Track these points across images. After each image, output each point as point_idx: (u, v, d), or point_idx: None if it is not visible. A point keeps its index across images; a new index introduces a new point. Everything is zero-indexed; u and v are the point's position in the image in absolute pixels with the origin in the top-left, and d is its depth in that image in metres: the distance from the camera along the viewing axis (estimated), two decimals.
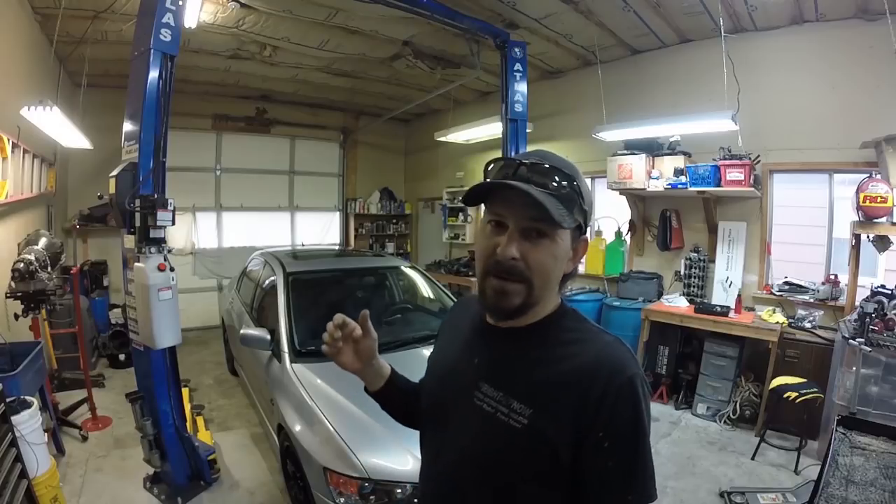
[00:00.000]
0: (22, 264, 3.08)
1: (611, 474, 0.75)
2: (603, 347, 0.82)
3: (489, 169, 0.88)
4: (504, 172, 0.83)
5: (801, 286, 4.11)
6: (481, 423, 0.84)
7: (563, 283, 0.88)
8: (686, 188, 4.33)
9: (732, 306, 4.24)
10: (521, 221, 0.79)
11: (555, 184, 0.80)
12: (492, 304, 0.84)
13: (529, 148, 4.51)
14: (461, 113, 6.69)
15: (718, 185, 4.12)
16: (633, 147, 4.69)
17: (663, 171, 4.57)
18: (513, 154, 4.29)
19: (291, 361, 2.82)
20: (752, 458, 3.47)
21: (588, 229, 0.88)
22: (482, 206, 0.86)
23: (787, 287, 4.18)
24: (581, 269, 5.60)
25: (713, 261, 4.62)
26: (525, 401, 0.79)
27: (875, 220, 3.44)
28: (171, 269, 2.65)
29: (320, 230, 8.14)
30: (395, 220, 8.79)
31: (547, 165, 0.82)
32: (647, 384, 0.80)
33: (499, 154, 4.64)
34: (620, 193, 4.96)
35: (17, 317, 3.13)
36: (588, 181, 5.64)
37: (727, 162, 4.06)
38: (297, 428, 2.45)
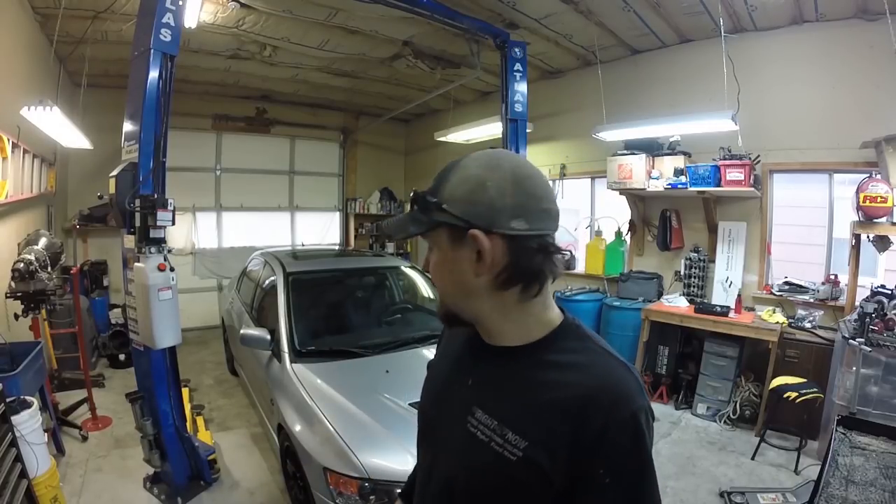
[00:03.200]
0: (22, 264, 3.08)
1: None
2: (608, 374, 0.75)
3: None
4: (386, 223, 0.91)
5: (801, 286, 4.11)
6: (474, 450, 0.78)
7: (524, 289, 0.76)
8: (686, 188, 4.33)
9: (732, 306, 4.24)
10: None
11: (415, 202, 0.82)
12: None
13: (529, 148, 4.52)
14: (461, 113, 6.69)
15: (718, 185, 4.12)
16: (633, 147, 4.69)
17: (663, 171, 4.57)
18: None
19: (291, 361, 2.82)
20: (752, 458, 3.47)
21: (476, 223, 0.74)
22: None
23: (787, 287, 4.18)
24: (581, 269, 5.60)
25: (713, 261, 4.62)
26: (520, 431, 0.74)
27: (875, 220, 3.44)
28: (171, 269, 2.65)
29: (320, 230, 8.14)
30: None
31: (415, 194, 0.82)
32: (652, 415, 0.75)
33: None
34: (620, 193, 4.96)
35: (17, 317, 3.13)
36: (588, 181, 5.70)
37: (727, 162, 4.06)
38: (297, 428, 2.45)
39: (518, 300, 0.78)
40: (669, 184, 4.47)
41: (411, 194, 0.84)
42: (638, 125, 4.32)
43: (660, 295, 4.92)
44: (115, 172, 2.61)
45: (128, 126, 2.70)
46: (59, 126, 3.69)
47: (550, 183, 0.85)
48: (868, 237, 3.57)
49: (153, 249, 2.61)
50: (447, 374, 0.93)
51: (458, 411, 0.83)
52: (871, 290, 3.43)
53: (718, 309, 4.19)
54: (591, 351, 0.79)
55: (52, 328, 4.15)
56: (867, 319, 3.11)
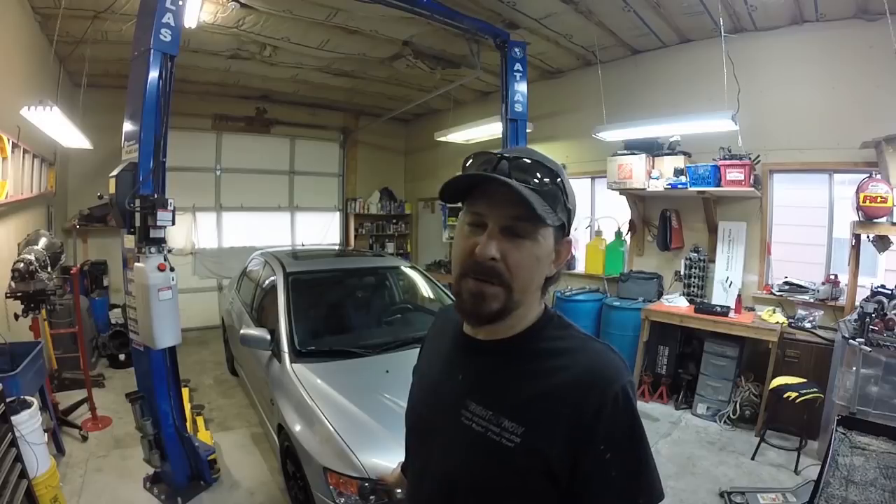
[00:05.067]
0: (22, 264, 3.08)
1: (616, 482, 0.73)
2: (594, 357, 0.78)
3: (467, 164, 0.82)
4: (483, 167, 0.78)
5: (801, 286, 4.11)
6: (471, 442, 0.79)
7: (545, 287, 0.84)
8: (686, 188, 4.33)
9: (732, 306, 4.24)
10: (501, 219, 0.75)
11: (537, 179, 0.76)
12: (469, 308, 0.78)
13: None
14: (461, 113, 6.69)
15: (718, 185, 4.12)
16: (633, 147, 4.69)
17: (663, 171, 4.57)
18: None
19: (291, 361, 2.82)
20: (752, 458, 3.47)
21: (571, 230, 0.84)
22: None
23: (787, 287, 4.17)
24: (581, 269, 5.60)
25: (713, 261, 4.62)
26: (516, 419, 0.76)
27: (875, 220, 3.44)
28: (171, 269, 2.65)
29: (320, 230, 8.14)
30: (395, 220, 8.79)
31: (529, 160, 0.77)
32: (634, 386, 0.78)
33: None
34: (620, 193, 4.96)
35: (17, 317, 3.13)
36: (588, 181, 5.71)
37: (727, 162, 4.06)
38: (297, 428, 2.45)
39: (540, 291, 0.84)
40: (669, 184, 4.47)
41: (548, 177, 0.77)
42: (638, 125, 4.32)
43: (660, 295, 4.92)
44: (115, 172, 2.61)
45: (128, 126, 2.70)
46: (59, 126, 3.69)
47: None
48: (868, 237, 3.57)
49: (153, 249, 2.61)
50: (437, 375, 0.93)
51: (452, 407, 0.84)
52: (871, 290, 3.42)
53: (718, 309, 4.19)
54: (574, 338, 0.83)
55: (52, 328, 4.14)
56: (867, 319, 3.11)
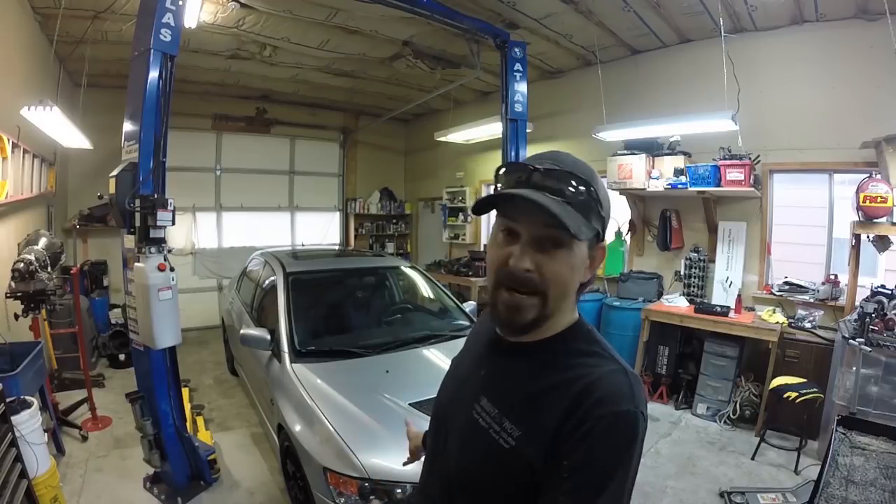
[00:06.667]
0: (22, 264, 3.08)
1: None
2: (600, 376, 0.74)
3: (500, 174, 0.83)
4: (516, 178, 0.78)
5: (801, 286, 4.11)
6: (474, 436, 0.81)
7: (579, 293, 0.83)
8: (686, 188, 4.33)
9: (732, 306, 4.24)
10: (534, 230, 0.75)
11: (571, 190, 0.75)
12: (504, 318, 0.80)
13: (529, 148, 4.51)
14: (461, 113, 6.69)
15: (718, 185, 4.12)
16: (633, 147, 4.69)
17: (663, 171, 4.57)
18: (513, 155, 4.29)
19: (291, 361, 2.82)
20: (752, 458, 3.47)
21: (606, 235, 0.83)
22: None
23: (787, 287, 4.17)
24: None
25: (713, 261, 4.62)
26: (516, 421, 0.77)
27: (875, 220, 3.44)
28: (171, 269, 2.65)
29: (320, 230, 8.14)
30: (395, 220, 8.79)
31: (561, 170, 0.76)
32: (644, 423, 0.72)
33: (498, 154, 4.66)
34: (620, 193, 4.95)
35: (17, 317, 3.13)
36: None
37: (727, 162, 4.06)
38: (297, 428, 2.45)
39: (575, 299, 0.84)
40: (669, 184, 4.47)
41: (582, 186, 0.75)
42: (638, 125, 4.32)
43: (660, 295, 4.92)
44: (115, 172, 2.61)
45: (128, 126, 2.70)
46: (59, 126, 3.69)
47: None
48: (868, 237, 3.57)
49: (153, 249, 2.61)
50: (466, 367, 0.97)
51: (468, 399, 0.87)
52: (871, 290, 3.43)
53: (718, 309, 4.19)
54: (595, 354, 0.80)
55: (52, 328, 4.14)
56: (867, 319, 3.11)
